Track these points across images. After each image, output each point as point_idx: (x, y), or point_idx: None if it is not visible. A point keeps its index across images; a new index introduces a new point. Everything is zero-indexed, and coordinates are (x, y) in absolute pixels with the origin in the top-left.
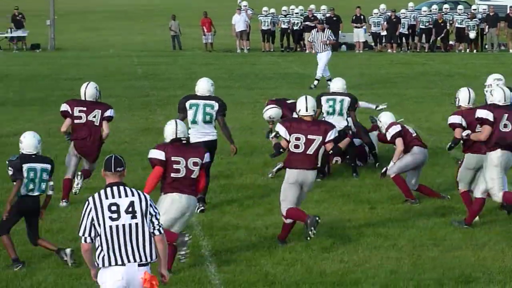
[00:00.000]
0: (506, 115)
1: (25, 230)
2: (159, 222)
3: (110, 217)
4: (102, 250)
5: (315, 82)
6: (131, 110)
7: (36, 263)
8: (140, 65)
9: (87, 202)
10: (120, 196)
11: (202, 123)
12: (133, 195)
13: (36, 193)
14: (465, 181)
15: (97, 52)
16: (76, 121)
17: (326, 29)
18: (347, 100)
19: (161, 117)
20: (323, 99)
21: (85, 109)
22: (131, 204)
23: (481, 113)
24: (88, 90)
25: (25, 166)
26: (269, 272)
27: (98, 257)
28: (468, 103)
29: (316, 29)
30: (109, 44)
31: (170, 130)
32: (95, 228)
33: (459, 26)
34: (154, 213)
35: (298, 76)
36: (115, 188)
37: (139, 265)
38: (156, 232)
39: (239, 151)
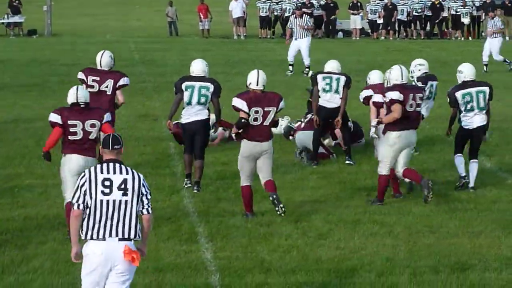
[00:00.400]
0: (412, 95)
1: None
2: (148, 202)
3: (102, 191)
4: (88, 222)
5: (291, 68)
6: (128, 96)
7: (32, 249)
8: (137, 51)
9: (83, 174)
10: (114, 173)
11: (197, 104)
12: (127, 173)
13: None
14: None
15: (94, 37)
16: (89, 89)
17: (304, 14)
18: (343, 78)
19: (158, 103)
20: (319, 77)
21: (98, 78)
22: (124, 181)
23: (393, 95)
24: (104, 59)
25: None
26: (265, 259)
27: (82, 229)
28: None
29: (295, 15)
30: (106, 29)
31: (71, 95)
32: (86, 199)
33: (454, 13)
34: (145, 193)
35: (295, 63)
36: (111, 164)
37: (120, 240)
38: (145, 212)
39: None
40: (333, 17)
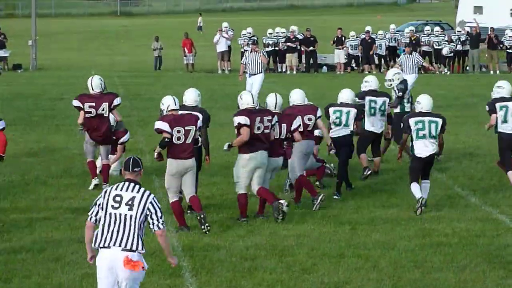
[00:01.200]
0: (259, 118)
1: None
2: (158, 219)
3: (112, 206)
4: (99, 232)
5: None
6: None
7: (17, 282)
8: (121, 85)
9: (103, 191)
10: (126, 190)
11: None
12: (137, 192)
13: None
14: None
15: (79, 72)
16: (87, 115)
17: (258, 49)
18: (353, 111)
19: (142, 137)
20: (331, 109)
21: (94, 104)
22: (132, 198)
23: (240, 119)
24: (94, 82)
25: None
26: None
27: (95, 237)
28: (275, 108)
29: (250, 49)
30: (91, 64)
31: None
32: (99, 212)
33: (437, 48)
34: (154, 211)
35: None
36: (126, 183)
37: (123, 250)
38: (156, 228)
39: (220, 172)
40: (311, 48)
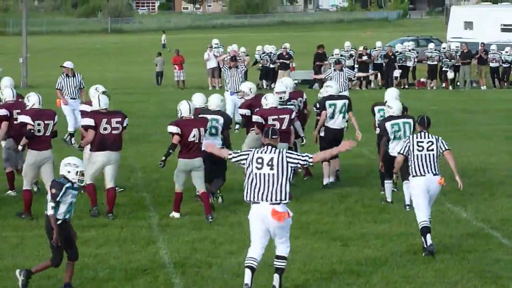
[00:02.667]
0: (106, 119)
1: None
2: (301, 158)
3: (256, 167)
4: (248, 189)
5: (237, 126)
6: None
7: None
8: (112, 103)
9: (251, 151)
10: (265, 153)
11: (209, 135)
12: (274, 153)
13: None
14: (180, 182)
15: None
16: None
17: (239, 65)
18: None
19: (133, 154)
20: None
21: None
22: (271, 159)
23: (87, 121)
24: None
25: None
26: None
27: (245, 193)
28: (189, 114)
29: (229, 65)
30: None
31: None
32: (242, 159)
33: (431, 63)
34: (295, 160)
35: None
36: (266, 147)
37: (270, 204)
38: (308, 161)
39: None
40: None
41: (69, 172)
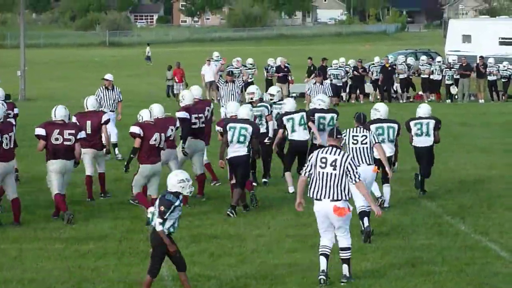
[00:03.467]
0: (58, 130)
1: None
2: (355, 175)
3: (320, 166)
4: (313, 186)
5: None
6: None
7: None
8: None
9: (314, 152)
10: (329, 154)
11: (237, 143)
12: (338, 155)
13: None
14: (138, 186)
15: (68, 101)
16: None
17: (235, 80)
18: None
19: (132, 167)
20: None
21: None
22: (335, 160)
23: (37, 131)
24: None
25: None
26: None
27: (311, 190)
28: (150, 117)
29: (226, 80)
30: (80, 93)
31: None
32: (312, 169)
33: (424, 76)
34: (351, 169)
35: None
36: (330, 148)
37: (331, 201)
38: (353, 182)
39: (209, 201)
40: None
41: (183, 188)
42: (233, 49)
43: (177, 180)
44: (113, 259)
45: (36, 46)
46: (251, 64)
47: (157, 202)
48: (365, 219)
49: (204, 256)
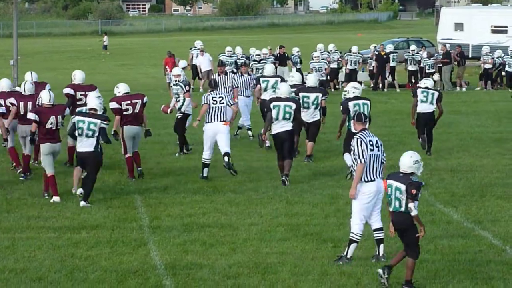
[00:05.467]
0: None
1: None
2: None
3: (370, 149)
4: (366, 169)
5: (250, 133)
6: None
7: None
8: (105, 104)
9: (357, 139)
10: (371, 136)
11: (282, 119)
12: (374, 136)
13: None
14: (48, 165)
15: (60, 90)
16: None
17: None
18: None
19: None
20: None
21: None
22: (377, 142)
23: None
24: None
25: None
26: None
27: (364, 175)
28: (49, 101)
29: (240, 72)
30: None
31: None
32: (365, 153)
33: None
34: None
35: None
36: (366, 132)
37: (380, 178)
38: (385, 161)
39: (201, 191)
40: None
41: (417, 168)
42: (225, 37)
43: (412, 161)
44: (106, 248)
45: (29, 36)
46: (239, 53)
47: (403, 187)
48: (205, 170)
49: (197, 245)
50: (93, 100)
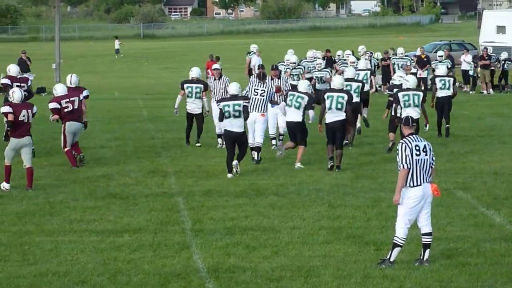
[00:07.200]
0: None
1: None
2: (433, 158)
3: (416, 154)
4: (411, 174)
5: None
6: (137, 152)
7: None
8: (145, 108)
9: (402, 143)
10: (418, 141)
11: (335, 109)
12: (422, 140)
13: None
14: (9, 158)
15: (102, 94)
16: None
17: (280, 75)
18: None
19: (167, 160)
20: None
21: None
22: (424, 146)
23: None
24: (73, 79)
25: None
26: None
27: (409, 180)
28: (20, 101)
29: (271, 76)
30: (114, 87)
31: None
32: (409, 159)
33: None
34: (432, 153)
35: None
36: (413, 136)
37: (428, 183)
38: (434, 165)
39: (244, 194)
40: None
41: None
42: (266, 41)
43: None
44: (149, 251)
45: (71, 39)
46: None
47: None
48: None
49: (239, 248)
50: (233, 86)
